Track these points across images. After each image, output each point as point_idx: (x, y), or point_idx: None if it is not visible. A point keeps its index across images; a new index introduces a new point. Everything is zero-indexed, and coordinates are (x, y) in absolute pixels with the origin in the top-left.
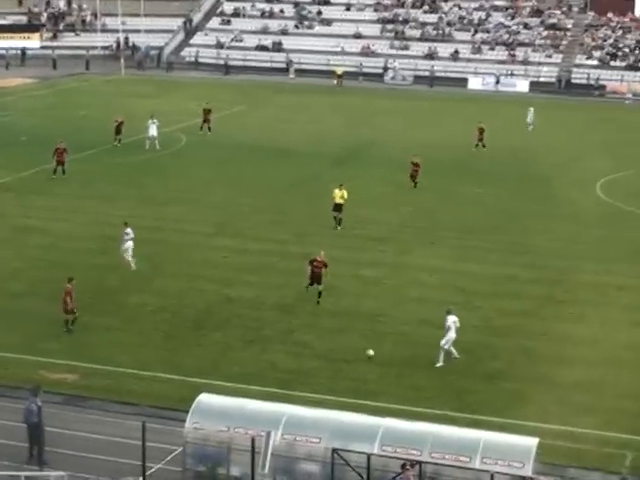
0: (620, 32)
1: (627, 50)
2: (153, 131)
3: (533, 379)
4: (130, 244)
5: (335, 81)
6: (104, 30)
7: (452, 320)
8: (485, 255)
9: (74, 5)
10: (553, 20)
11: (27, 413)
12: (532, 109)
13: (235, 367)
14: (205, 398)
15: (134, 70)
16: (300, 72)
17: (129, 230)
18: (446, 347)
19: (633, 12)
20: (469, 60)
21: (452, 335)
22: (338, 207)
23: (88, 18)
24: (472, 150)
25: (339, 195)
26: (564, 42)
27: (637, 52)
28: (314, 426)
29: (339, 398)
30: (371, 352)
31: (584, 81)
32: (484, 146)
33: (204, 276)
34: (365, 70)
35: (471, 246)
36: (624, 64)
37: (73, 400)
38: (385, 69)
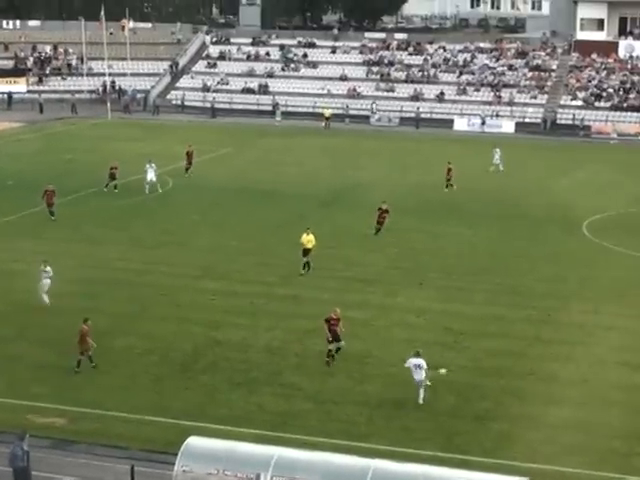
0: (604, 73)
1: (611, 91)
2: (151, 175)
3: (522, 419)
4: (47, 282)
5: (323, 123)
6: (90, 74)
7: (415, 363)
8: (472, 295)
9: (60, 49)
10: (538, 61)
11: (13, 457)
12: (498, 149)
13: (223, 410)
14: (194, 441)
15: (120, 114)
16: (286, 114)
17: (48, 269)
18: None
19: (617, 53)
20: (454, 101)
21: (420, 377)
22: (307, 252)
23: (74, 62)
24: (444, 191)
25: (307, 240)
26: (549, 83)
27: (621, 93)
28: (304, 468)
29: (329, 440)
30: (443, 371)
31: (569, 122)
32: (452, 185)
33: (192, 319)
34: (351, 112)
35: (458, 287)
36: (609, 104)
37: (61, 444)
38: (373, 111)
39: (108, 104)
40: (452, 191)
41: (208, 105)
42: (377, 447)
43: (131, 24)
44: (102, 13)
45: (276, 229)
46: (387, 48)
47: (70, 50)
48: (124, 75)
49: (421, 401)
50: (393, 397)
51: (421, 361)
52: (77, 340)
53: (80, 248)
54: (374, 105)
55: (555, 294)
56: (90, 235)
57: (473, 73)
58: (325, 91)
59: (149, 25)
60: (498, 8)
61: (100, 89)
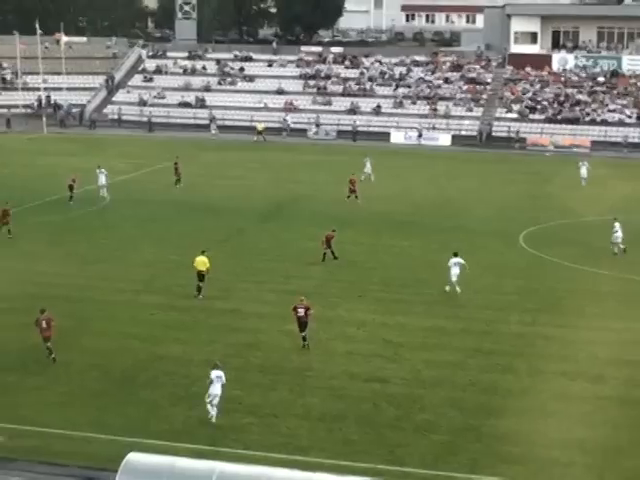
0: (538, 86)
1: (546, 103)
2: (102, 180)
3: (463, 430)
4: None
5: (255, 137)
6: (25, 88)
7: (216, 375)
8: (411, 307)
9: None
10: (473, 74)
11: None
12: (368, 158)
13: (164, 425)
14: (134, 457)
15: (57, 128)
16: (224, 128)
17: None
18: (209, 401)
19: (550, 66)
20: (391, 114)
21: (217, 391)
22: (201, 276)
23: (9, 76)
24: (345, 200)
25: (201, 262)
26: (484, 96)
27: (555, 105)
28: None
29: (271, 454)
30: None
31: (505, 134)
32: (356, 197)
33: (132, 334)
34: (290, 125)
35: (397, 299)
36: (543, 117)
37: None
38: (317, 124)
39: (44, 119)
40: (354, 202)
41: (145, 119)
42: (318, 460)
43: (66, 38)
44: (37, 27)
45: (216, 243)
46: (324, 62)
47: (4, 64)
48: (60, 89)
49: (214, 419)
50: (334, 410)
51: (221, 373)
52: (42, 328)
53: (17, 264)
54: (317, 118)
55: (494, 305)
56: (27, 251)
57: (409, 86)
58: (262, 105)
59: (84, 39)
60: (433, 22)
61: (35, 104)
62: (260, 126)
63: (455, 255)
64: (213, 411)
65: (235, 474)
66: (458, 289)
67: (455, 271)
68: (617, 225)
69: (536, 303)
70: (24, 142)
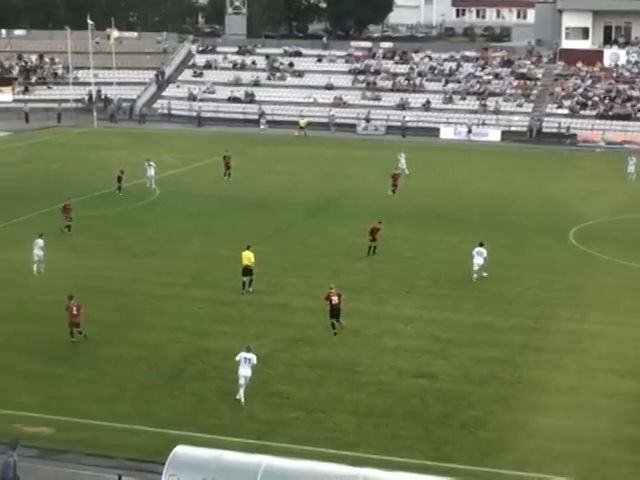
0: (590, 81)
1: (597, 99)
2: (151, 172)
3: (510, 427)
4: (40, 253)
5: (297, 132)
6: (76, 83)
7: (244, 356)
8: (460, 303)
9: (46, 59)
10: (523, 70)
11: (5, 468)
12: (402, 154)
13: (211, 419)
14: (181, 450)
15: (107, 122)
16: (272, 123)
17: (41, 241)
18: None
19: (602, 62)
20: (441, 110)
21: (245, 373)
22: (247, 271)
23: (60, 71)
24: (387, 194)
25: (245, 257)
26: (534, 92)
27: (607, 101)
28: (292, 477)
29: (317, 449)
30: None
31: (555, 130)
32: (394, 192)
33: (180, 327)
34: (337, 121)
35: (446, 295)
36: (594, 113)
37: (48, 454)
38: (367, 120)
39: (94, 113)
40: (393, 197)
41: (194, 114)
42: (365, 456)
43: (117, 33)
44: (89, 22)
45: (264, 238)
46: (373, 57)
47: (56, 59)
48: (110, 84)
49: (242, 398)
50: (382, 405)
51: (252, 355)
52: (72, 315)
53: (67, 257)
54: (368, 114)
55: (543, 302)
56: (77, 244)
57: (459, 82)
58: (311, 100)
59: (135, 34)
60: (483, 17)
61: (86, 98)
62: (303, 121)
63: (481, 245)
64: (241, 392)
65: (282, 468)
66: (475, 276)
67: (478, 261)
68: None
69: (585, 300)
70: (74, 136)
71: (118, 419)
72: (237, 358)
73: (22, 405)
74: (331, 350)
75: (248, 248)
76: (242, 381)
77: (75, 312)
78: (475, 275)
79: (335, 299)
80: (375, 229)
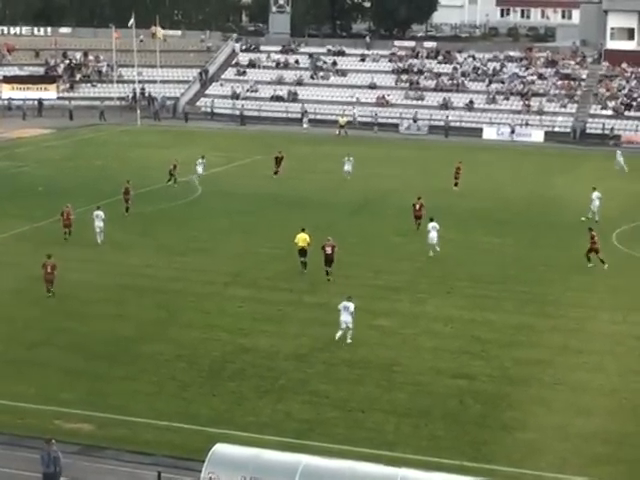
0: (634, 82)
1: None
2: (199, 170)
3: (550, 429)
4: (100, 224)
5: (337, 131)
6: (120, 81)
7: (343, 305)
8: (500, 304)
9: (90, 56)
10: (567, 70)
11: (52, 461)
12: (351, 158)
13: (250, 417)
14: (221, 448)
15: (150, 120)
16: (315, 122)
17: (101, 212)
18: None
19: None
20: (484, 110)
21: (346, 319)
22: (303, 252)
23: (104, 69)
24: (453, 189)
25: (302, 239)
26: (578, 92)
27: None
28: (330, 476)
29: (356, 448)
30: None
31: (599, 131)
32: (456, 184)
33: (219, 325)
34: (380, 120)
35: (486, 295)
36: (639, 114)
37: (88, 450)
38: (414, 120)
39: (138, 111)
40: (456, 191)
41: (237, 112)
42: (404, 456)
43: (161, 31)
44: (133, 20)
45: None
46: (416, 56)
47: (100, 57)
48: (154, 82)
49: (349, 340)
50: (420, 406)
51: (350, 304)
52: (46, 272)
53: (109, 254)
54: (415, 114)
55: (584, 303)
56: (118, 241)
57: (503, 82)
58: (354, 99)
59: (179, 33)
60: (528, 17)
61: (130, 96)
62: (342, 120)
63: (431, 220)
64: (348, 336)
65: (320, 467)
66: (432, 252)
67: (432, 235)
68: None
69: (627, 302)
70: (118, 134)
71: (157, 416)
72: (339, 307)
73: (63, 401)
74: (370, 350)
75: (303, 230)
76: (343, 326)
77: (50, 270)
78: (431, 252)
79: (329, 250)
80: (418, 205)
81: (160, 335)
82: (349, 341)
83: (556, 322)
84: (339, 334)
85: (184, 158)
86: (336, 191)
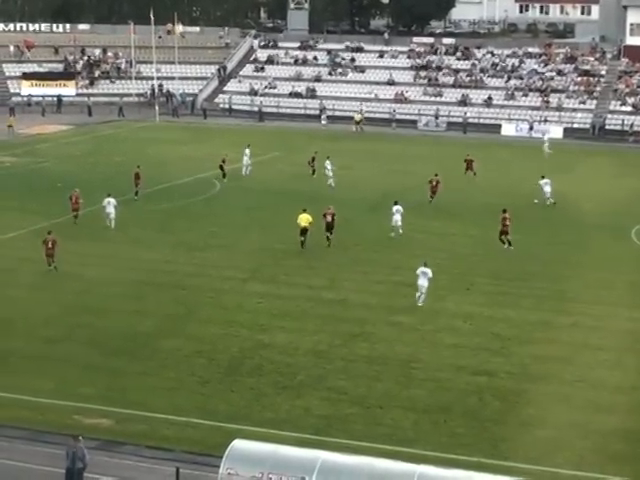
0: None
1: None
2: (246, 159)
3: (568, 426)
4: (112, 211)
5: (354, 127)
6: (139, 77)
7: (421, 270)
8: (520, 301)
9: (109, 53)
10: (586, 67)
11: (78, 458)
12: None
13: (268, 413)
14: (239, 444)
15: (168, 117)
16: (333, 119)
17: (112, 200)
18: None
19: None
20: (502, 106)
21: (423, 283)
22: (305, 231)
23: (123, 65)
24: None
25: (304, 218)
26: (598, 88)
27: None
28: (349, 472)
29: (374, 445)
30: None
31: (618, 127)
32: (474, 173)
33: (238, 321)
34: (398, 117)
35: (505, 292)
36: None
37: (107, 445)
38: (436, 117)
39: (156, 107)
40: (472, 181)
41: (255, 109)
42: (422, 452)
43: (180, 28)
44: (151, 17)
45: (323, 233)
46: (435, 53)
47: (119, 53)
48: (172, 79)
49: (420, 303)
50: (439, 402)
51: (427, 270)
52: (47, 248)
53: (127, 250)
54: (437, 111)
55: (603, 300)
56: (137, 237)
57: (521, 78)
58: (372, 95)
59: (197, 29)
60: (547, 13)
61: (148, 92)
62: (358, 116)
63: (395, 203)
64: (420, 300)
65: (338, 464)
66: (393, 234)
67: (397, 217)
68: None
69: None
70: (137, 130)
71: (176, 412)
72: (417, 272)
73: (82, 397)
74: (388, 346)
75: (305, 211)
76: (422, 290)
77: (50, 246)
78: (393, 233)
79: (329, 218)
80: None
81: (179, 331)
82: (420, 304)
83: (575, 319)
84: (417, 295)
85: (203, 154)
86: (355, 187)
